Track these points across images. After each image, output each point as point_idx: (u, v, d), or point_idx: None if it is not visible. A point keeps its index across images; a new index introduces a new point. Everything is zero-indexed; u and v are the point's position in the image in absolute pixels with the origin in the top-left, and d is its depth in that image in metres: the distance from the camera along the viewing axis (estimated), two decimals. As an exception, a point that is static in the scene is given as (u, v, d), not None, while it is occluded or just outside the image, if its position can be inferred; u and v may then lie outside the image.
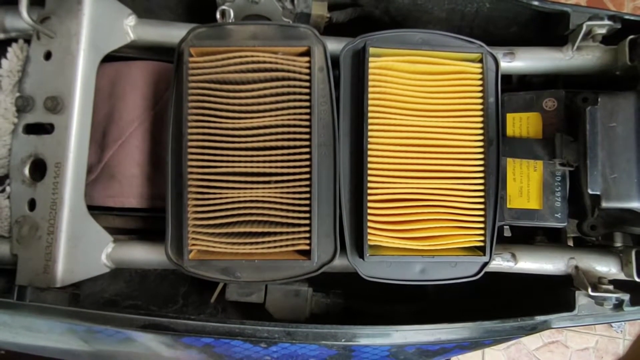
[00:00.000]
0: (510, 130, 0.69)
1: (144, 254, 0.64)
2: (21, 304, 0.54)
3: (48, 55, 0.61)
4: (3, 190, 0.62)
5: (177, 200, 0.58)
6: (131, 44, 0.67)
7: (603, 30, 0.63)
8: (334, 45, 0.65)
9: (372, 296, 0.76)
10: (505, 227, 0.78)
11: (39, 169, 0.61)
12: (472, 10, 0.75)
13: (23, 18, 0.56)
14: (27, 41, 0.64)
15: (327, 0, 0.74)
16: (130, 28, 0.66)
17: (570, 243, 0.79)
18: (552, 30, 0.71)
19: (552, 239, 0.72)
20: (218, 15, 0.67)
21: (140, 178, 0.66)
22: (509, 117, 0.69)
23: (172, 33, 0.67)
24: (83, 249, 0.61)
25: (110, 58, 0.67)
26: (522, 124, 0.69)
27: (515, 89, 0.76)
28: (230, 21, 0.64)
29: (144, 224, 0.72)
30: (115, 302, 0.72)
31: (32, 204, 0.60)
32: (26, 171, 0.61)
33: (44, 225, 0.59)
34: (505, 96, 0.70)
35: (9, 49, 0.63)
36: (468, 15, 0.76)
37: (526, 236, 0.74)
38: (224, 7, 0.66)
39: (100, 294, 0.72)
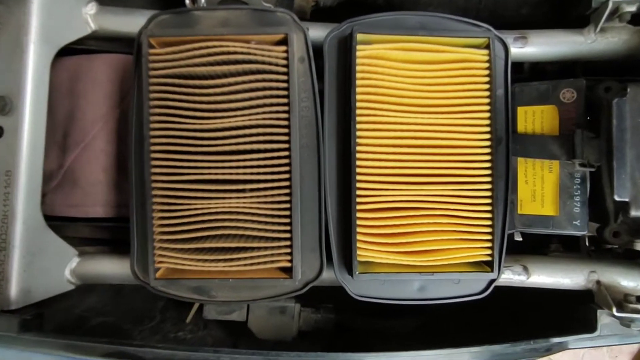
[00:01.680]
0: (521, 126, 0.61)
1: (113, 269, 0.58)
2: (-34, 331, 0.48)
3: (-5, 50, 0.55)
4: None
5: (142, 212, 0.51)
6: (93, 35, 0.60)
7: (633, 8, 0.54)
8: (322, 32, 0.57)
9: (367, 310, 0.69)
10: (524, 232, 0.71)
11: (-12, 177, 0.54)
12: (478, -11, 0.66)
13: (-39, 7, 0.50)
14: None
15: (312, -18, 0.66)
16: (91, 17, 0.59)
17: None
18: (571, 10, 0.63)
19: (568, 248, 0.64)
20: (187, 0, 0.59)
21: (106, 184, 0.59)
22: (520, 110, 0.61)
23: (138, 21, 0.58)
24: (42, 265, 0.55)
25: (70, 51, 0.60)
26: (535, 118, 0.60)
27: (527, 78, 0.67)
28: (201, 6, 0.57)
29: (117, 233, 0.65)
30: (85, 319, 0.66)
31: (-19, 217, 0.54)
32: (-26, 180, 0.54)
33: (-6, 241, 0.53)
34: (516, 87, 0.62)
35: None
36: (474, -5, 0.68)
37: (539, 244, 0.66)
38: (194, -10, 0.58)
39: (70, 309, 0.66)
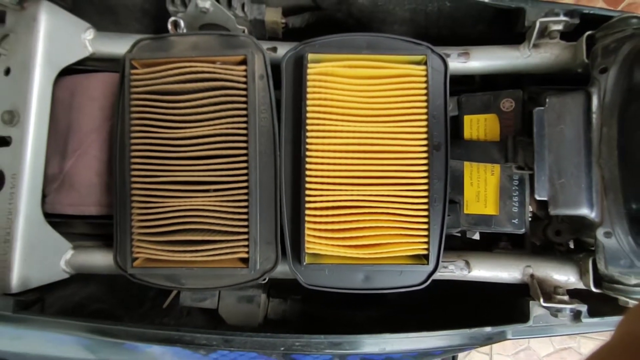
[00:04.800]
0: (467, 133, 0.67)
1: (103, 260, 0.66)
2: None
3: (7, 71, 0.64)
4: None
5: (123, 210, 0.59)
6: (91, 57, 0.69)
7: (559, 27, 0.60)
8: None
9: (333, 302, 0.75)
10: (472, 231, 0.76)
11: (-3, 179, 0.64)
12: (434, 9, 0.73)
13: (-21, 37, 0.59)
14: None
15: (283, 6, 0.74)
16: (89, 42, 0.69)
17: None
18: (514, 27, 0.68)
19: (515, 244, 0.69)
20: (169, 27, 0.68)
21: (99, 187, 0.68)
22: (467, 119, 0.67)
23: (129, 45, 0.68)
24: (40, 256, 0.63)
25: (72, 70, 0.69)
26: (479, 126, 0.66)
27: (479, 89, 0.73)
28: (180, 32, 0.66)
29: (109, 229, 0.74)
30: (84, 306, 0.75)
31: (-11, 214, 0.63)
32: (-15, 182, 0.64)
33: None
34: (463, 97, 0.68)
35: (-27, 66, 0.66)
36: (431, 15, 0.74)
37: (492, 241, 0.71)
38: (175, 18, 0.67)
39: (70, 297, 0.75)
